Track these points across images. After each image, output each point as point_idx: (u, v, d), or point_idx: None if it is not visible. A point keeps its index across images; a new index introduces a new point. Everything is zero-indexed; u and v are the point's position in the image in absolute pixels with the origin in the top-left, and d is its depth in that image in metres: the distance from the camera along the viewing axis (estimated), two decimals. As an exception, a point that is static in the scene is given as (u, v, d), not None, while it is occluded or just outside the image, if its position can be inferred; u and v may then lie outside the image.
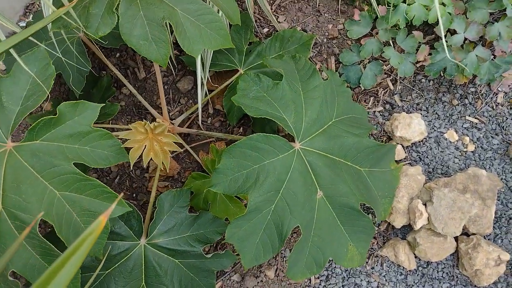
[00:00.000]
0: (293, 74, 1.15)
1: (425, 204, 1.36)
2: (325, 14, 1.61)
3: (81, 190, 0.92)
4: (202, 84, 1.30)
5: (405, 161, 1.50)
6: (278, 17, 1.62)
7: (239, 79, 1.12)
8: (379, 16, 1.37)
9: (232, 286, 1.43)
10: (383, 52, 1.38)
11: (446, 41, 1.33)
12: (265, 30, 1.63)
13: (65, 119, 0.91)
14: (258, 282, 1.42)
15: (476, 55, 1.30)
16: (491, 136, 1.51)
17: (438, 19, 1.22)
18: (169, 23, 0.93)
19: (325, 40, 1.60)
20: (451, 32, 1.35)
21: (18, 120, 0.92)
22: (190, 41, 0.94)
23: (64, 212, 0.92)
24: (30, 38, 0.86)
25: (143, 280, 1.23)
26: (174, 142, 1.04)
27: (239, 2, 1.59)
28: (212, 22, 0.95)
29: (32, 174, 0.90)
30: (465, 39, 1.32)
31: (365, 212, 1.28)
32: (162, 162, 1.03)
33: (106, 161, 0.96)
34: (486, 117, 1.53)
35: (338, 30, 1.59)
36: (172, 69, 1.57)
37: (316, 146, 1.10)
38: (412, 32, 1.42)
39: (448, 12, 1.25)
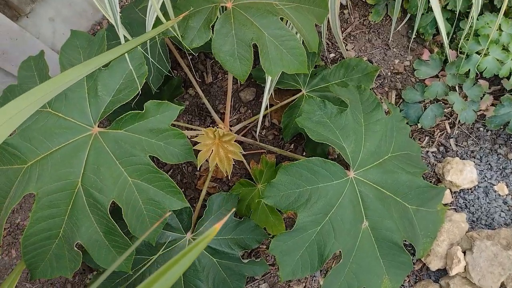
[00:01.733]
0: (356, 105, 1.20)
1: (464, 252, 1.36)
2: (394, 49, 1.64)
3: (151, 181, 1.01)
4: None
5: (450, 206, 1.50)
6: (346, 44, 1.67)
7: (304, 102, 1.18)
8: (449, 61, 1.39)
9: (259, 294, 1.48)
10: (447, 95, 1.40)
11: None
12: (332, 55, 1.68)
13: (149, 115, 1.00)
14: (285, 296, 1.47)
15: (543, 115, 1.30)
16: (544, 197, 1.48)
17: (510, 74, 1.23)
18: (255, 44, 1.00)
19: (389, 73, 1.63)
20: (520, 87, 1.35)
21: (108, 110, 1.02)
22: (271, 63, 1.01)
23: (132, 198, 1.01)
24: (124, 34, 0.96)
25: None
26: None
27: (312, 25, 1.65)
28: (294, 48, 1.01)
29: (112, 159, 0.99)
30: (534, 96, 1.32)
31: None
32: (226, 169, 1.10)
33: (176, 158, 1.05)
34: (541, 177, 1.50)
35: (404, 66, 1.62)
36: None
37: (370, 178, 1.14)
38: (478, 81, 1.43)
39: (521, 68, 1.25)
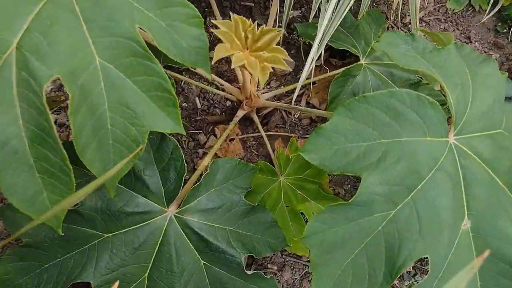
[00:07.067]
0: (459, 61, 0.81)
1: None
2: (476, 43, 1.30)
3: (131, 70, 0.60)
4: (312, 58, 1.00)
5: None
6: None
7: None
8: None
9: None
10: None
11: None
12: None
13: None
14: None
15: None
16: None
17: None
18: None
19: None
20: None
21: None
22: None
23: (94, 93, 0.59)
24: None
25: (148, 270, 0.83)
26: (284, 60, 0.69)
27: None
28: None
29: (76, 18, 0.58)
30: None
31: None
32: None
33: (179, 56, 0.65)
34: None
35: (488, 64, 1.26)
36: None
37: (477, 150, 0.71)
38: None
39: None
